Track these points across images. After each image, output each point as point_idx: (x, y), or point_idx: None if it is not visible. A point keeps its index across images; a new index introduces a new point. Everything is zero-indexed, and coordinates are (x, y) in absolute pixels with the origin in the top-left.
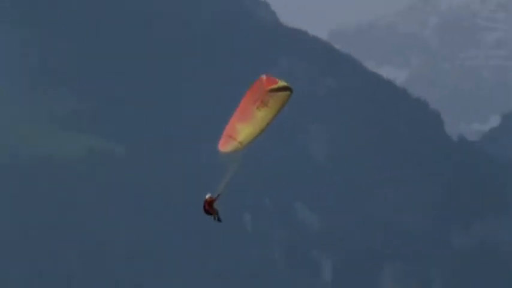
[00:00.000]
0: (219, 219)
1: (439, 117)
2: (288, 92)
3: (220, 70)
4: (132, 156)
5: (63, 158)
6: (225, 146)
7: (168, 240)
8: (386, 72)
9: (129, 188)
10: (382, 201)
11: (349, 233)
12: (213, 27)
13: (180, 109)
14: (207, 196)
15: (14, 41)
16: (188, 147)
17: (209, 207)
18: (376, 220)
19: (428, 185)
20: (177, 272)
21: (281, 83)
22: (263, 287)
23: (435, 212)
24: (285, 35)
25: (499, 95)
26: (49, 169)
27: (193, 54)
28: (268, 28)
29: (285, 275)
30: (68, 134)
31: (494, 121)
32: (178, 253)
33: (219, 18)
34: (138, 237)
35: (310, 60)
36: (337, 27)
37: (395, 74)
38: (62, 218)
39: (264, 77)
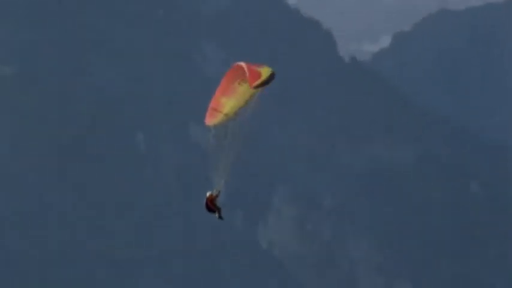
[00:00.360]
0: (220, 217)
1: (331, 37)
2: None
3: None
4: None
5: None
6: (211, 118)
7: (54, 162)
8: None
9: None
10: (271, 123)
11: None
12: None
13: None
14: (208, 194)
15: None
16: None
17: (212, 205)
18: (269, 140)
19: (321, 107)
20: (66, 192)
21: (264, 75)
22: (155, 209)
23: (327, 132)
24: None
25: (390, 16)
26: None
27: None
28: None
29: (178, 196)
30: None
31: (385, 41)
32: (67, 172)
33: None
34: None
35: None
36: None
37: None
38: None
39: (243, 66)
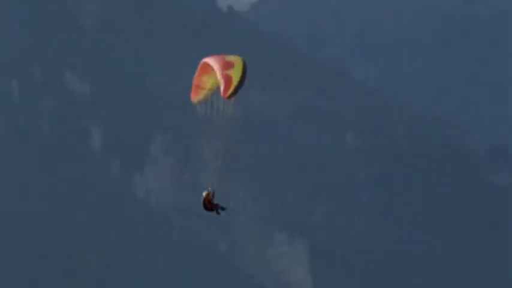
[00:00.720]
0: (222, 208)
1: None
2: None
3: None
4: None
5: None
6: (196, 96)
7: None
8: None
9: None
10: (150, 72)
11: (119, 101)
12: None
13: None
14: (204, 193)
15: None
16: None
17: (210, 205)
18: (147, 88)
19: (197, 56)
20: None
21: (235, 78)
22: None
23: None
24: None
25: None
26: None
27: None
28: None
29: (52, 143)
30: None
31: None
32: None
33: None
34: None
35: None
36: None
37: None
38: None
39: (211, 63)
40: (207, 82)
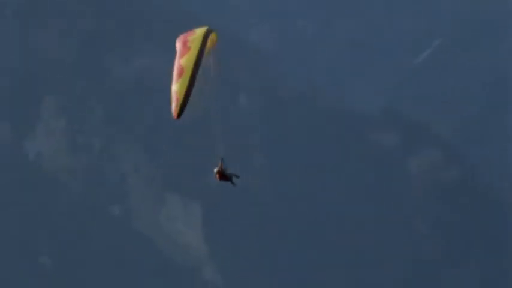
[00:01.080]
0: (236, 176)
1: None
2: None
3: None
4: None
5: None
6: (175, 111)
7: None
8: None
9: None
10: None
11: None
12: None
13: None
14: (215, 171)
15: None
16: None
17: (223, 177)
18: (30, 48)
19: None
20: None
21: (199, 31)
22: None
23: (89, 41)
24: None
25: None
26: None
27: None
28: None
29: None
30: None
31: None
32: None
33: None
34: None
35: None
36: None
37: None
38: None
39: (181, 36)
40: (179, 92)
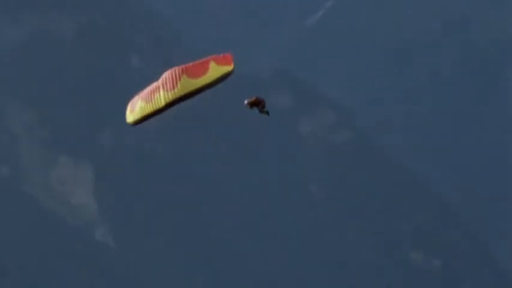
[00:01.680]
0: (267, 113)
1: None
2: None
3: None
4: None
5: None
6: (130, 119)
7: None
8: None
9: None
10: None
11: None
12: None
13: None
14: (246, 101)
15: None
16: None
17: (258, 102)
18: None
19: None
20: None
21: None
22: None
23: None
24: None
25: None
26: None
27: None
28: None
29: None
30: None
31: None
32: None
33: None
34: None
35: None
36: None
37: None
38: None
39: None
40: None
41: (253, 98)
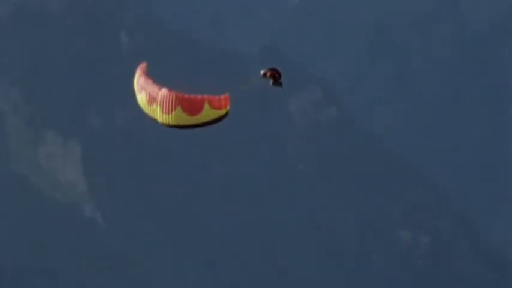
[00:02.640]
0: (280, 84)
1: None
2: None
3: None
4: None
5: None
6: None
7: None
8: None
9: None
10: None
11: None
12: None
13: None
14: (262, 72)
15: None
16: None
17: (274, 77)
18: None
19: None
20: None
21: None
22: None
23: None
24: None
25: None
26: None
27: None
28: None
29: None
30: None
31: None
32: None
33: None
34: None
35: None
36: None
37: None
38: None
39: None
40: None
41: (269, 70)
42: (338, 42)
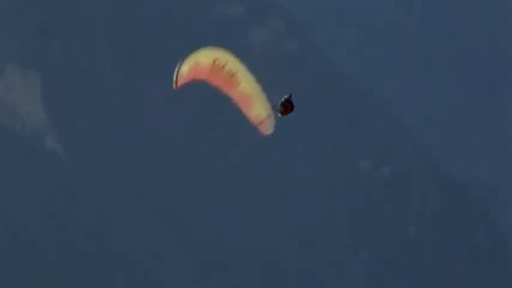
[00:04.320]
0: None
1: None
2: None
3: None
4: None
5: None
6: (176, 82)
7: None
8: None
9: None
10: None
11: None
12: None
13: None
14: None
15: None
16: None
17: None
18: None
19: None
20: None
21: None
22: None
23: None
24: None
25: None
26: None
27: None
28: None
29: None
30: None
31: None
32: None
33: None
34: None
35: None
36: None
37: None
38: None
39: None
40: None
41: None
42: None
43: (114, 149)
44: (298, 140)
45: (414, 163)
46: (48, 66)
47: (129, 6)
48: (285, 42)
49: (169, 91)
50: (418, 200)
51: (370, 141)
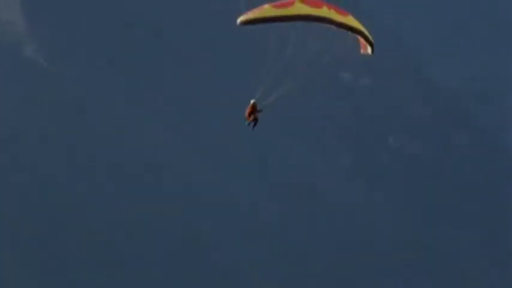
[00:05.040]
0: (254, 121)
1: None
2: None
3: None
4: None
5: None
6: (244, 18)
7: None
8: None
9: None
10: None
11: None
12: None
13: None
14: (252, 101)
15: None
16: None
17: (250, 114)
18: None
19: None
20: None
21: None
22: None
23: None
24: None
25: None
26: None
27: None
28: None
29: None
30: None
31: None
32: None
33: None
34: None
35: None
36: None
37: None
38: None
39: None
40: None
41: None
42: None
43: (102, 55)
44: None
45: (394, 70)
46: None
47: None
48: None
49: None
50: (397, 104)
51: (348, 51)
